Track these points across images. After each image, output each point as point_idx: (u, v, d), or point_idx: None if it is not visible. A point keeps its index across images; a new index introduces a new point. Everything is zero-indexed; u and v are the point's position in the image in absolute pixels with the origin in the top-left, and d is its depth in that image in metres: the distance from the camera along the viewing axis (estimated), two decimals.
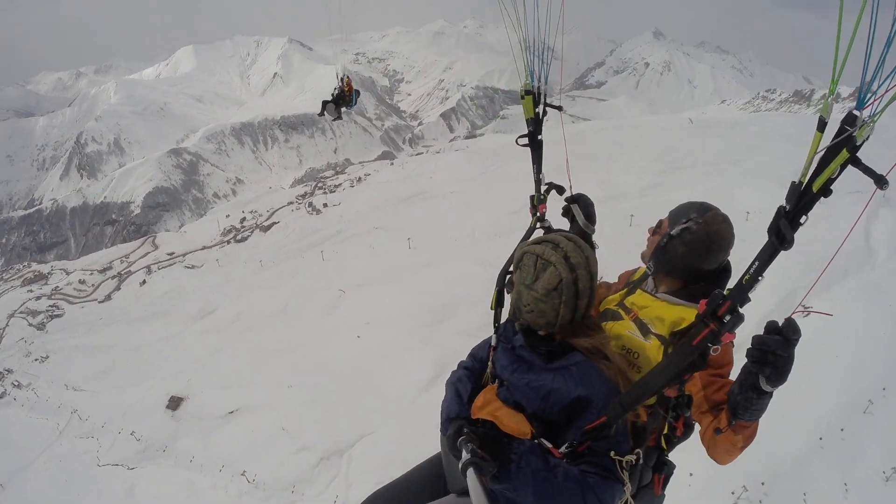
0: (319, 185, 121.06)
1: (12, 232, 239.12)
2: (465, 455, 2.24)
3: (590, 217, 3.38)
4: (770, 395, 2.21)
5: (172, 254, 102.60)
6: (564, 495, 2.24)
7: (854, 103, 1.62)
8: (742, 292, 2.03)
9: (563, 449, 2.45)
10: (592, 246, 3.10)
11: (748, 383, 2.21)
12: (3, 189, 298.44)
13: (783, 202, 1.84)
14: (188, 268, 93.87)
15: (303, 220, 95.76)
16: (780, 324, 2.01)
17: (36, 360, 76.86)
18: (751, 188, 49.80)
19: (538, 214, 3.46)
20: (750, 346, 2.07)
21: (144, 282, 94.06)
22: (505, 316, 3.04)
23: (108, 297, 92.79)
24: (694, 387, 2.78)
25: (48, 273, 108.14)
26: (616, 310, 3.15)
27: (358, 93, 9.37)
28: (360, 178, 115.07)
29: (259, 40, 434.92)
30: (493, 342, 3.01)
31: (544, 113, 3.53)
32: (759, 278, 2.00)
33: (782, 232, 1.83)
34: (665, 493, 3.11)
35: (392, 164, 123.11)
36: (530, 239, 2.76)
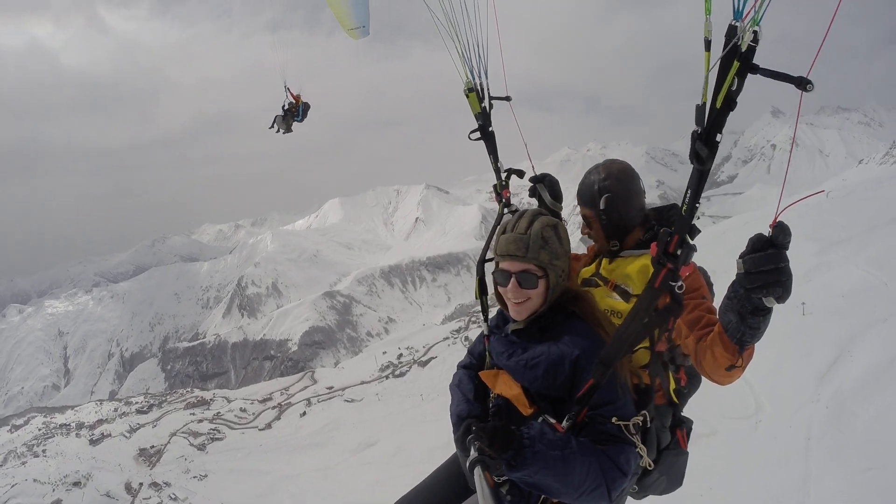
0: (473, 319, 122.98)
1: (177, 360, 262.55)
2: (472, 454, 2.33)
3: (555, 195, 3.61)
4: (772, 311, 2.13)
5: (331, 388, 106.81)
6: (583, 468, 2.27)
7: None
8: (685, 223, 2.13)
9: (564, 423, 2.48)
10: (562, 221, 3.13)
11: (749, 309, 2.10)
12: (170, 322, 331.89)
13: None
14: (347, 401, 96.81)
15: (460, 353, 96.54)
16: (769, 234, 1.91)
17: (194, 477, 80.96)
18: None
19: (504, 200, 3.70)
20: (741, 271, 1.99)
21: (304, 413, 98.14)
22: (492, 305, 3.13)
23: (269, 426, 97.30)
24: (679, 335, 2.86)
25: (210, 399, 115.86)
26: (591, 279, 3.29)
27: (307, 105, 9.91)
28: None
29: (399, 188, 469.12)
30: (486, 332, 3.10)
31: (491, 106, 3.74)
32: (696, 205, 2.09)
33: (698, 153, 1.90)
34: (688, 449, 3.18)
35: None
36: None
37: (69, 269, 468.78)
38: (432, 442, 63.79)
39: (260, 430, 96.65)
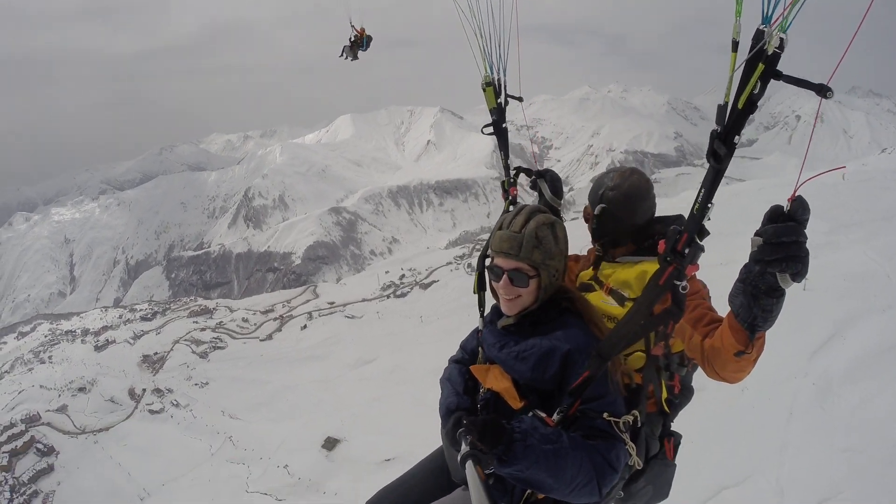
0: (477, 247, 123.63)
1: (181, 269, 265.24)
2: (463, 447, 2.29)
3: (556, 191, 3.62)
4: (785, 294, 2.09)
5: (333, 303, 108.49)
6: (574, 463, 2.28)
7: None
8: (696, 222, 2.11)
9: (555, 416, 2.49)
10: (560, 218, 3.16)
11: (762, 289, 2.06)
12: (176, 231, 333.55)
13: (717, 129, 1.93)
14: (348, 317, 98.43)
15: (461, 279, 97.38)
16: (787, 207, 1.88)
17: (196, 384, 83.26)
18: None
19: (510, 198, 3.71)
20: (756, 247, 1.96)
21: (305, 326, 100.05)
22: (488, 300, 3.14)
23: (270, 337, 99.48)
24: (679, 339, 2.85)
25: (213, 308, 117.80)
26: (589, 283, 3.30)
27: (370, 37, 10.38)
28: None
29: (412, 109, 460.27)
30: (480, 326, 3.14)
31: (506, 103, 3.86)
32: (709, 205, 2.06)
33: (717, 152, 1.92)
34: (676, 462, 3.18)
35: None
36: None
37: (76, 177, 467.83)
38: (430, 363, 64.94)
39: (261, 340, 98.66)
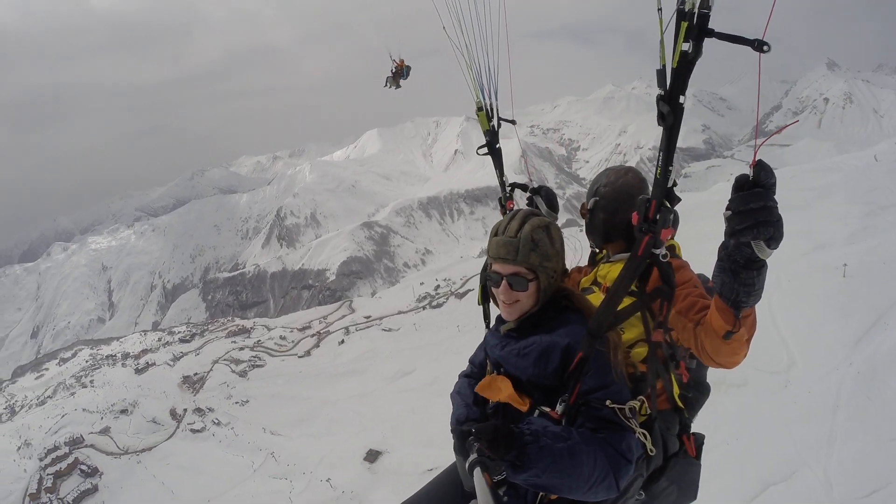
0: None
1: (217, 290, 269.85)
2: (471, 455, 2.29)
3: (552, 205, 3.66)
4: (766, 266, 2.02)
5: (369, 317, 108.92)
6: (590, 458, 2.24)
7: None
8: (661, 187, 2.14)
9: (558, 407, 2.48)
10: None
11: (741, 262, 2.00)
12: (210, 254, 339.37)
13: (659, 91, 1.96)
14: (385, 331, 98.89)
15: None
16: (752, 175, 1.85)
17: (237, 403, 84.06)
18: None
19: (507, 212, 3.67)
20: (727, 217, 1.91)
21: (343, 341, 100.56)
22: (493, 311, 3.13)
23: (308, 353, 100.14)
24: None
25: (251, 328, 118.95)
26: (590, 287, 3.32)
27: (409, 67, 10.60)
28: None
29: (438, 120, 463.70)
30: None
31: (499, 125, 3.93)
32: (669, 168, 2.09)
33: (662, 114, 1.95)
34: (701, 461, 3.10)
35: (581, 230, 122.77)
36: None
37: (110, 206, 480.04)
38: None
39: (299, 357, 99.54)
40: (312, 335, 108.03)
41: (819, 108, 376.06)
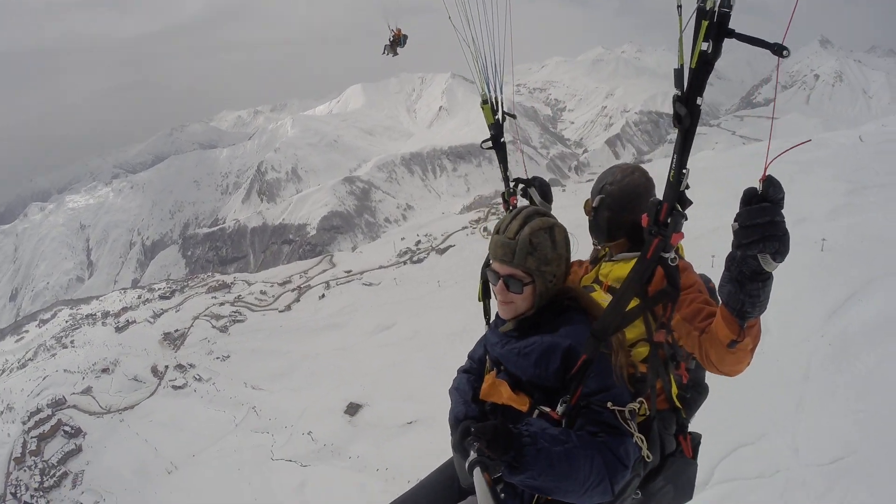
0: (493, 210, 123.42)
1: (197, 246, 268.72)
2: (471, 455, 2.27)
3: (545, 196, 3.70)
4: (772, 278, 2.01)
5: (350, 272, 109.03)
6: (587, 462, 2.24)
7: None
8: (674, 189, 2.10)
9: (559, 408, 2.49)
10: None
11: (747, 274, 1.99)
12: (190, 209, 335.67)
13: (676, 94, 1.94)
14: (366, 285, 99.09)
15: (478, 243, 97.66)
16: (760, 189, 1.84)
17: (217, 358, 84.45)
18: None
19: (511, 208, 3.72)
20: (734, 230, 1.90)
21: (323, 296, 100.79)
22: (493, 308, 3.16)
23: (288, 308, 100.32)
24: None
25: (231, 283, 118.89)
26: (591, 285, 3.26)
27: (406, 36, 10.92)
28: None
29: (423, 76, 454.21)
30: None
31: (503, 119, 3.87)
32: (683, 171, 2.06)
33: (678, 114, 1.92)
34: (698, 461, 3.11)
35: (564, 189, 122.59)
36: None
37: (88, 163, 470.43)
38: (449, 327, 65.30)
39: (280, 311, 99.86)
40: (293, 290, 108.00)
41: (809, 84, 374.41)
